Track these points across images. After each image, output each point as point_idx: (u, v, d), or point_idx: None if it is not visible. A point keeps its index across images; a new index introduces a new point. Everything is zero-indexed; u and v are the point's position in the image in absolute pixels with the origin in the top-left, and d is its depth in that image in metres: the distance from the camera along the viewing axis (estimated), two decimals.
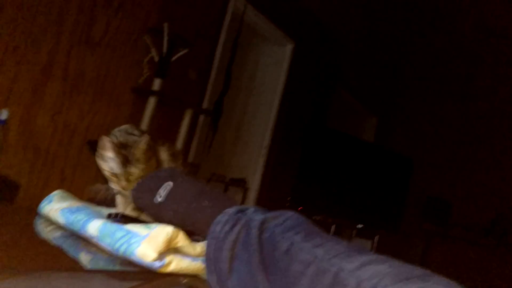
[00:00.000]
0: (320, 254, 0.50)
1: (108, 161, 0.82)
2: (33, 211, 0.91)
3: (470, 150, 5.41)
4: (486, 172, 5.23)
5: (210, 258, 0.58)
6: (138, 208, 0.77)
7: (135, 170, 0.82)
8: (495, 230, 4.92)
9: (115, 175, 0.82)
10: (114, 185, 0.84)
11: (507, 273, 4.72)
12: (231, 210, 0.61)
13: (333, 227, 4.11)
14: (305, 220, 0.58)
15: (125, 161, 0.82)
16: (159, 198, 0.68)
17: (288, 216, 0.58)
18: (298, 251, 0.51)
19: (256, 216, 0.58)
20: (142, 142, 0.83)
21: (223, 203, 0.65)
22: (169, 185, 0.69)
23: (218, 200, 0.66)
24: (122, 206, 0.86)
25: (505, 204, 4.98)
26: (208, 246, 0.58)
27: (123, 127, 0.90)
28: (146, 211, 0.69)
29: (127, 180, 0.82)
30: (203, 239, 0.69)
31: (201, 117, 3.40)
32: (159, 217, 0.68)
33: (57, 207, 0.86)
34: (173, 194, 0.68)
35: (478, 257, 4.97)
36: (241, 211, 0.61)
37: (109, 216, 0.81)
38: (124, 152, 0.83)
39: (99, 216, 0.82)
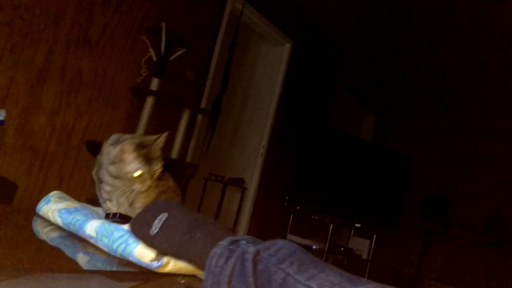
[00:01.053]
0: (314, 287, 0.52)
1: (132, 163, 0.83)
2: (31, 212, 0.91)
3: (468, 148, 5.42)
4: (484, 171, 5.24)
5: None
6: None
7: (157, 167, 0.86)
8: (493, 228, 4.93)
9: (139, 176, 0.84)
10: (138, 187, 0.85)
11: (505, 271, 4.73)
12: (224, 243, 0.62)
13: (331, 227, 4.11)
14: (298, 248, 0.60)
15: (147, 160, 0.85)
16: (154, 230, 0.69)
17: (281, 246, 0.59)
18: (293, 284, 0.53)
19: (249, 248, 0.59)
20: (162, 138, 0.88)
21: (215, 235, 0.66)
22: (163, 216, 0.70)
23: (210, 231, 0.67)
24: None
25: (503, 203, 4.99)
26: (205, 281, 0.59)
27: (129, 135, 0.91)
28: (143, 243, 0.70)
29: (151, 178, 0.85)
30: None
31: (199, 117, 3.40)
32: (155, 249, 0.69)
33: (54, 208, 0.86)
34: (167, 225, 0.69)
35: (477, 255, 4.98)
36: (234, 242, 0.62)
37: (107, 216, 0.81)
38: (144, 151, 0.85)
39: (96, 216, 0.82)
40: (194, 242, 0.66)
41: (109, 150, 0.87)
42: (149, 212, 0.73)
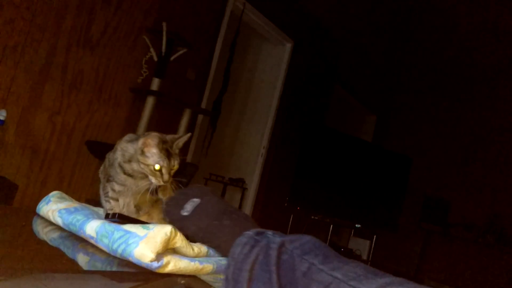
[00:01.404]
0: (338, 276, 0.53)
1: (153, 156, 0.85)
2: (31, 212, 0.91)
3: (468, 149, 5.41)
4: (484, 172, 5.24)
5: (228, 279, 0.60)
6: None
7: (175, 164, 0.88)
8: (493, 228, 4.93)
9: (159, 170, 0.85)
10: (156, 180, 0.86)
11: (505, 271, 4.73)
12: (250, 233, 0.63)
13: (331, 227, 4.11)
14: (323, 244, 0.61)
15: (167, 156, 0.87)
16: (185, 212, 0.72)
17: (307, 240, 0.60)
18: (317, 273, 0.54)
19: (275, 239, 0.60)
20: (184, 138, 0.91)
21: (243, 224, 0.68)
22: (196, 201, 0.73)
23: (239, 221, 0.69)
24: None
25: (503, 203, 4.99)
26: (227, 267, 0.61)
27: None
28: (173, 224, 0.72)
29: (169, 174, 0.86)
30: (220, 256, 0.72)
31: (200, 117, 3.40)
32: (183, 230, 0.71)
33: (55, 208, 0.86)
34: (198, 210, 0.72)
35: (476, 255, 4.98)
36: (260, 233, 0.63)
37: (107, 216, 0.81)
38: (165, 146, 0.87)
39: (97, 217, 0.82)
40: (221, 229, 0.68)
41: (126, 148, 0.87)
42: (182, 195, 0.76)
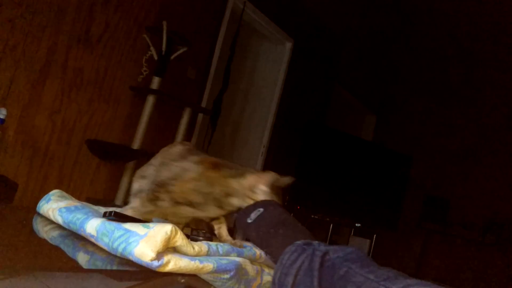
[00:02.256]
0: (371, 277, 0.59)
1: (264, 194, 0.90)
2: (31, 210, 0.91)
3: (469, 148, 5.41)
4: (484, 171, 5.24)
5: (275, 283, 0.66)
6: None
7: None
8: (493, 228, 4.93)
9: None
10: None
11: (505, 271, 4.73)
12: (300, 242, 0.70)
13: (331, 226, 4.12)
14: (365, 255, 0.67)
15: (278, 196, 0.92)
16: (249, 220, 0.80)
17: (350, 251, 0.66)
18: (353, 275, 0.60)
19: (321, 248, 0.67)
20: (288, 179, 0.95)
21: (297, 235, 0.74)
22: (260, 210, 0.81)
23: (293, 231, 0.76)
24: None
25: (503, 203, 4.99)
26: (275, 272, 0.67)
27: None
28: (240, 230, 0.82)
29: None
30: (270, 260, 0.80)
31: (200, 116, 3.40)
32: (246, 236, 0.81)
33: (55, 206, 0.86)
34: (260, 218, 0.79)
35: (476, 255, 4.98)
36: (308, 243, 0.69)
37: (105, 215, 0.81)
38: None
39: (97, 215, 0.82)
40: (275, 237, 0.75)
41: (226, 183, 0.90)
42: (252, 206, 0.83)
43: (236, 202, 0.88)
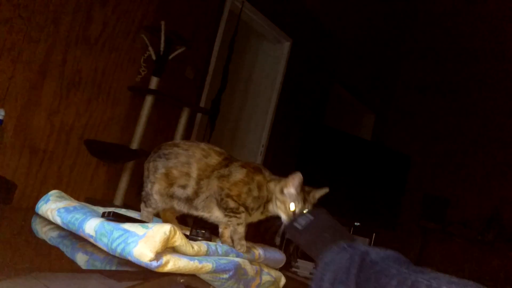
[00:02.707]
0: (402, 271, 0.64)
1: (291, 197, 0.99)
2: (30, 211, 0.91)
3: (467, 147, 5.42)
4: (483, 170, 5.24)
5: (314, 278, 0.72)
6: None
7: (307, 208, 1.03)
8: (492, 226, 4.93)
9: (293, 211, 0.98)
10: (286, 218, 0.98)
11: (504, 269, 4.74)
12: (343, 244, 0.75)
13: None
14: (403, 257, 0.73)
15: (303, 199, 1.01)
16: (298, 225, 0.86)
17: (390, 254, 0.72)
18: (387, 269, 0.65)
19: (361, 248, 0.72)
20: (323, 191, 1.08)
21: (340, 238, 0.79)
22: (310, 217, 0.88)
23: (338, 236, 0.81)
24: None
25: (502, 201, 5.00)
26: (317, 269, 0.73)
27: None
28: (288, 233, 0.88)
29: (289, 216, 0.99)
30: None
31: (199, 116, 3.40)
32: (294, 239, 0.87)
33: (54, 207, 0.86)
34: (309, 225, 0.86)
35: (475, 253, 4.98)
36: (351, 246, 0.74)
37: (104, 215, 0.81)
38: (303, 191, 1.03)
39: (96, 215, 0.82)
40: (320, 240, 0.80)
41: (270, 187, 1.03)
42: (302, 215, 0.90)
43: (271, 207, 0.98)
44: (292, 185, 0.98)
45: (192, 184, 0.96)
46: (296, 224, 0.86)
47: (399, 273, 0.63)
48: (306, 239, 0.83)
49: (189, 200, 0.97)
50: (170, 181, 0.97)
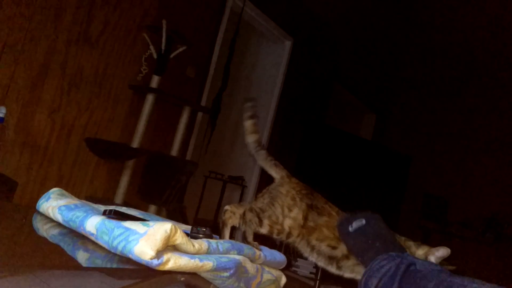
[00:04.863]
0: (444, 277, 0.68)
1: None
2: (31, 209, 0.91)
3: (468, 147, 5.42)
4: (483, 170, 5.24)
5: (361, 283, 0.75)
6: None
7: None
8: (492, 226, 4.93)
9: None
10: None
11: (505, 269, 4.74)
12: (392, 253, 0.77)
13: None
14: (446, 270, 0.75)
15: None
16: (350, 228, 0.87)
17: (436, 266, 0.74)
18: (428, 274, 0.69)
19: (408, 257, 0.74)
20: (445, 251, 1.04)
21: (390, 250, 0.81)
22: (362, 221, 0.88)
23: (388, 246, 0.83)
24: None
25: (502, 202, 4.99)
26: (363, 275, 0.75)
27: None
28: (340, 233, 0.88)
29: None
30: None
31: (199, 115, 3.40)
32: (344, 242, 0.88)
33: (55, 205, 0.86)
34: (360, 229, 0.86)
35: (475, 253, 4.98)
36: (400, 255, 0.77)
37: (105, 213, 0.81)
38: None
39: (97, 213, 0.82)
40: (371, 249, 0.82)
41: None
42: (354, 215, 0.91)
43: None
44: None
45: (343, 248, 0.94)
46: (349, 228, 0.87)
47: (438, 277, 0.66)
48: (357, 245, 0.85)
49: (333, 259, 0.96)
50: (316, 236, 0.97)
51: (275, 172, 1.13)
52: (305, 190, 1.08)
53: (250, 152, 1.10)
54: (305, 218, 1.00)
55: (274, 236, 1.02)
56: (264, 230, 1.02)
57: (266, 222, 1.02)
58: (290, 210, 1.02)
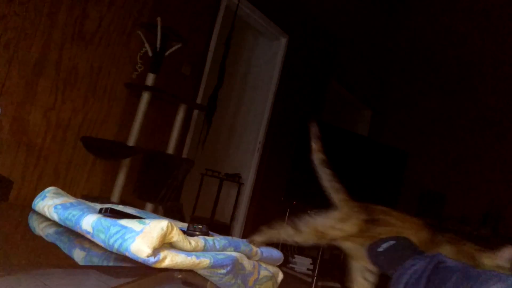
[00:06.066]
0: (467, 267, 0.72)
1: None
2: (27, 208, 0.91)
3: (464, 143, 5.44)
4: (479, 165, 5.26)
5: (392, 281, 0.79)
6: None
7: None
8: (488, 222, 4.96)
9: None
10: None
11: None
12: (425, 254, 0.83)
13: None
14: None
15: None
16: (380, 249, 0.92)
17: (467, 265, 0.77)
18: (454, 267, 0.73)
19: (441, 257, 0.78)
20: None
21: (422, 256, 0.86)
22: (392, 242, 0.94)
23: (421, 253, 0.87)
24: None
25: (498, 197, 5.02)
26: (394, 275, 0.80)
27: None
28: (369, 258, 0.93)
29: None
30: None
31: (195, 112, 3.40)
32: (375, 264, 0.93)
33: (51, 204, 0.86)
34: (392, 247, 0.92)
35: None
36: (433, 256, 0.80)
37: (101, 211, 0.81)
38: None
39: (93, 211, 0.82)
40: (402, 257, 0.86)
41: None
42: (383, 239, 0.97)
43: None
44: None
45: None
46: (378, 249, 0.92)
47: (463, 269, 0.70)
48: (388, 259, 0.90)
49: None
50: None
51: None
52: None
53: (316, 170, 1.20)
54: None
55: None
56: None
57: None
58: None
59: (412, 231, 1.08)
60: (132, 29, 2.82)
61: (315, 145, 1.21)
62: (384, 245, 0.92)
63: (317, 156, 1.22)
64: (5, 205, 1.29)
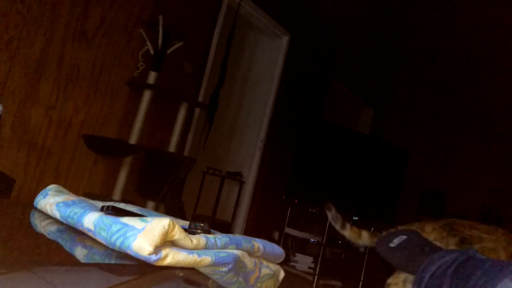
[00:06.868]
0: (495, 262, 0.72)
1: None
2: (29, 206, 0.91)
3: (465, 142, 5.43)
4: (480, 164, 5.25)
5: (418, 272, 0.80)
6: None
7: None
8: (489, 219, 4.95)
9: None
10: None
11: None
12: (452, 251, 0.82)
13: (328, 220, 4.12)
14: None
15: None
16: (392, 244, 0.92)
17: (497, 260, 0.79)
18: (481, 261, 0.73)
19: (470, 251, 0.78)
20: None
21: (440, 250, 0.87)
22: (403, 237, 0.93)
23: (437, 249, 0.87)
24: None
25: (499, 196, 5.01)
26: (417, 271, 0.81)
27: None
28: (381, 252, 0.93)
29: None
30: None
31: (197, 111, 3.40)
32: (388, 258, 0.92)
33: (52, 201, 0.86)
34: (404, 243, 0.92)
35: None
36: (463, 251, 0.81)
37: (103, 209, 0.81)
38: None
39: (94, 209, 0.82)
40: (420, 254, 0.86)
41: None
42: (393, 235, 0.95)
43: None
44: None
45: None
46: (390, 244, 0.92)
47: (492, 263, 0.70)
48: (403, 254, 0.89)
49: None
50: None
51: None
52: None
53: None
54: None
55: None
56: None
57: None
58: None
59: (504, 243, 1.06)
60: (134, 27, 2.82)
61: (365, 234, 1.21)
62: (396, 240, 0.91)
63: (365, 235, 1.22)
64: (7, 203, 1.30)
